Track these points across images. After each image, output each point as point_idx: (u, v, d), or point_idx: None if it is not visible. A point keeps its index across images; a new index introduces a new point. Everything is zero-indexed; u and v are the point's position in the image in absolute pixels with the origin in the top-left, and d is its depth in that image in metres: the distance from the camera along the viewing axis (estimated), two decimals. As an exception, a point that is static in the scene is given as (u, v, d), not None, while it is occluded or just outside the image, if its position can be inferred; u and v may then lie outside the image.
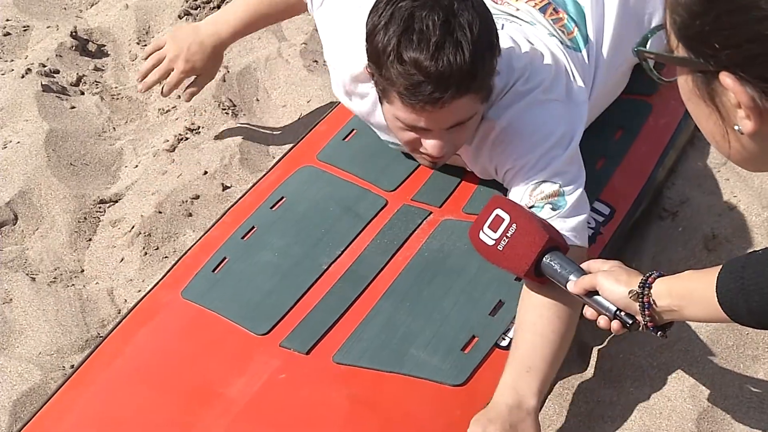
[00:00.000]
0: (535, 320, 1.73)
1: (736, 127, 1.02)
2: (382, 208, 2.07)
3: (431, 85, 1.67)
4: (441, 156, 1.82)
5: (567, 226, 1.80)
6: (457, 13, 1.68)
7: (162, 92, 2.46)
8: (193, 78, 2.46)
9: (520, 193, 1.84)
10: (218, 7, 3.01)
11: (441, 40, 1.66)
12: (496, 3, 2.15)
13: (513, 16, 2.09)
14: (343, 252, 1.99)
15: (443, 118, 1.74)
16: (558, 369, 1.74)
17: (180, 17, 2.98)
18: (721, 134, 1.05)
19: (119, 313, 2.16)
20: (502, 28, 1.97)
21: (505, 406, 1.64)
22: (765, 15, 0.95)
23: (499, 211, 1.66)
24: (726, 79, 0.99)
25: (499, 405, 1.65)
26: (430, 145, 1.79)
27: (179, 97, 2.72)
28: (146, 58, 2.46)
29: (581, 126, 1.92)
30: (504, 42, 1.89)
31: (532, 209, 1.81)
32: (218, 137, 2.59)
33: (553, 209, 1.81)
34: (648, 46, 1.14)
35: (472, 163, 1.99)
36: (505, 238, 1.65)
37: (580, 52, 2.08)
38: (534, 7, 2.12)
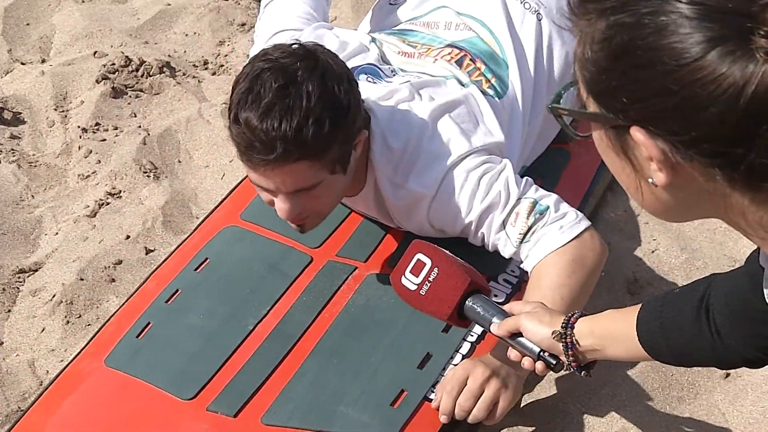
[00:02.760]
0: (536, 293, 1.82)
1: (650, 180, 1.02)
2: (307, 266, 2.08)
3: (259, 144, 1.73)
4: (292, 219, 1.86)
5: (568, 220, 1.88)
6: (299, 81, 1.74)
7: None
8: None
9: (504, 236, 1.91)
10: (136, 70, 3.02)
11: (272, 102, 1.72)
12: (410, 57, 2.20)
13: (424, 73, 2.14)
14: (269, 311, 1.99)
15: (281, 182, 1.78)
16: None
17: (98, 82, 2.98)
18: (636, 186, 1.06)
19: (41, 384, 2.12)
20: (407, 85, 2.03)
21: (499, 359, 1.81)
22: (669, 69, 0.95)
23: (420, 256, 1.68)
24: (636, 133, 0.99)
25: (495, 356, 1.82)
26: (278, 207, 1.85)
27: (99, 162, 2.71)
28: None
29: (505, 156, 2.00)
30: (402, 105, 1.97)
31: (534, 232, 1.88)
32: (140, 201, 2.57)
33: (544, 217, 1.88)
34: (563, 102, 1.15)
35: (404, 223, 2.02)
36: (427, 282, 1.66)
37: (500, 99, 2.13)
38: (450, 61, 2.18)
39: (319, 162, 1.77)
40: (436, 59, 2.20)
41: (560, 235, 1.88)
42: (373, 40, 2.24)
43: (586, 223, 1.92)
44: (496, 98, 2.14)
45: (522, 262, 1.93)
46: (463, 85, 2.12)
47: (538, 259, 1.87)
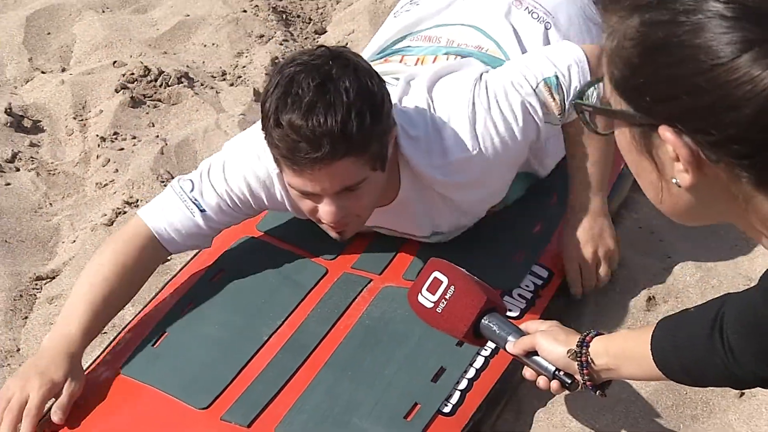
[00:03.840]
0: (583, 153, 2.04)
1: (673, 180, 1.03)
2: (323, 277, 2.10)
3: (305, 144, 1.73)
4: (337, 222, 1.86)
5: (578, 70, 1.99)
6: (335, 77, 1.75)
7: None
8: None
9: (547, 123, 2.02)
10: (155, 80, 3.04)
11: (313, 100, 1.73)
12: (406, 65, 2.20)
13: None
14: (283, 322, 2.00)
15: (327, 181, 1.79)
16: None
17: (117, 91, 3.01)
18: (657, 186, 1.06)
19: (57, 391, 2.13)
20: (404, 82, 2.06)
21: (585, 222, 2.08)
22: (704, 67, 0.96)
23: (437, 274, 1.69)
24: (665, 132, 1.00)
25: (577, 225, 2.08)
26: (323, 211, 1.85)
27: (117, 171, 2.73)
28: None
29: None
30: (405, 98, 2.00)
31: (567, 97, 1.98)
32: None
33: (560, 83, 1.99)
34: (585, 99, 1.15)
35: (459, 195, 2.03)
36: (443, 300, 1.67)
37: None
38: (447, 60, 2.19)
39: (363, 157, 1.78)
40: (433, 63, 2.20)
41: (584, 75, 1.98)
42: None
43: (584, 57, 2.01)
44: None
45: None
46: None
47: None
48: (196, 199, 2.00)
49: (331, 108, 1.72)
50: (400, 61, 2.24)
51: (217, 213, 2.01)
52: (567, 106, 1.99)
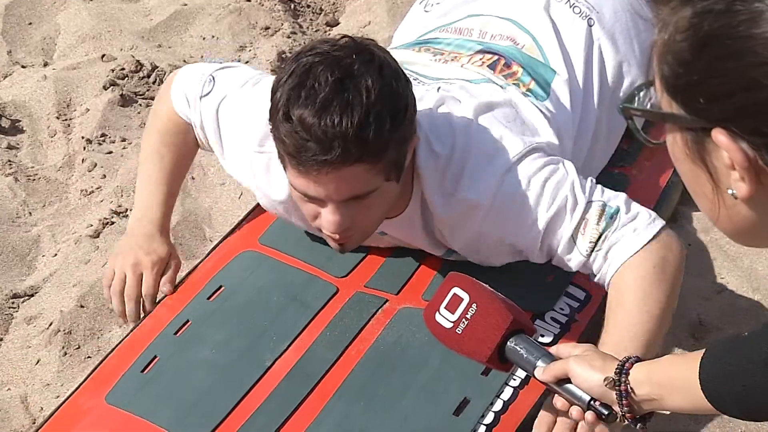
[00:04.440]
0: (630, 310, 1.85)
1: (729, 191, 1.02)
2: (333, 297, 2.10)
3: (315, 144, 1.74)
4: (338, 233, 1.86)
5: (642, 220, 1.90)
6: (356, 74, 1.75)
7: (145, 308, 2.18)
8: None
9: (573, 246, 1.92)
10: (148, 76, 3.07)
11: (329, 97, 1.73)
12: (435, 63, 2.22)
13: (452, 78, 2.16)
14: (289, 346, 2.01)
15: (334, 187, 1.79)
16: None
17: (105, 88, 3.03)
18: (712, 200, 1.06)
19: (34, 423, 2.15)
20: (438, 91, 2.05)
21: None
22: (762, 60, 0.96)
23: (457, 290, 1.68)
24: (718, 135, 0.99)
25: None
26: (325, 219, 1.84)
27: (104, 176, 2.75)
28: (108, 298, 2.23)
29: (558, 149, 2.05)
30: (440, 108, 1.99)
31: (606, 239, 1.89)
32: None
33: (615, 220, 1.90)
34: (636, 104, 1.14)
35: (451, 240, 2.03)
36: (464, 320, 1.67)
37: (543, 101, 2.15)
38: (481, 65, 2.20)
39: (377, 165, 1.78)
40: (464, 66, 2.22)
41: (635, 237, 1.89)
42: None
43: (661, 221, 1.93)
44: (539, 100, 2.16)
45: (593, 274, 1.94)
46: (501, 87, 2.15)
47: (615, 269, 1.89)
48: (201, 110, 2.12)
49: (348, 107, 1.73)
50: (431, 54, 2.25)
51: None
52: (596, 253, 1.90)
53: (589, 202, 1.92)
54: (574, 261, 1.94)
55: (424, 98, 2.01)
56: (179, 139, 2.18)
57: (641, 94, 1.15)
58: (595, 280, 1.95)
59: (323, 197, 1.81)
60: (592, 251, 1.91)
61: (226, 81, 2.12)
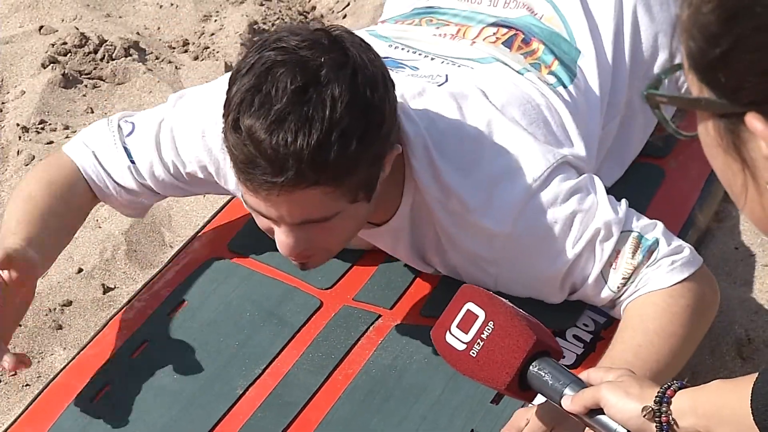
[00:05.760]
0: (639, 338, 1.88)
1: (767, 184, 1.04)
2: (316, 312, 2.11)
3: (265, 162, 1.74)
4: (293, 256, 1.88)
5: (682, 256, 1.93)
6: (322, 81, 1.74)
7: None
8: None
9: (602, 281, 1.96)
10: (94, 52, 3.06)
11: (285, 109, 1.73)
12: (440, 38, 2.22)
13: (460, 58, 2.17)
14: (264, 371, 2.02)
15: (286, 210, 1.80)
16: None
17: (44, 66, 3.03)
18: (749, 194, 1.07)
19: (-37, 463, 2.15)
20: (442, 86, 2.06)
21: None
22: None
23: (471, 306, 1.69)
24: (753, 121, 1.01)
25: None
26: (278, 240, 1.86)
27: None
28: None
29: (588, 173, 2.05)
30: (444, 105, 1.99)
31: (641, 275, 1.92)
32: (96, 223, 2.61)
33: (653, 254, 1.93)
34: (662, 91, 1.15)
35: (451, 254, 2.04)
36: (479, 340, 1.67)
37: (566, 87, 2.16)
38: (495, 43, 2.20)
39: (339, 189, 1.79)
40: (474, 41, 2.23)
41: (672, 274, 1.93)
42: (374, 34, 2.25)
43: (700, 259, 1.97)
44: (559, 87, 2.16)
45: (614, 307, 1.99)
46: (518, 73, 2.15)
47: (639, 294, 1.94)
48: (127, 148, 2.09)
49: (306, 124, 1.72)
50: (434, 28, 2.25)
51: (151, 178, 2.10)
52: (628, 287, 1.95)
53: (622, 233, 1.95)
54: (600, 297, 1.98)
55: (425, 93, 2.02)
56: (67, 191, 2.09)
57: (668, 78, 1.16)
58: (614, 311, 2.00)
59: (275, 218, 1.83)
60: (624, 286, 1.95)
61: (147, 116, 2.13)
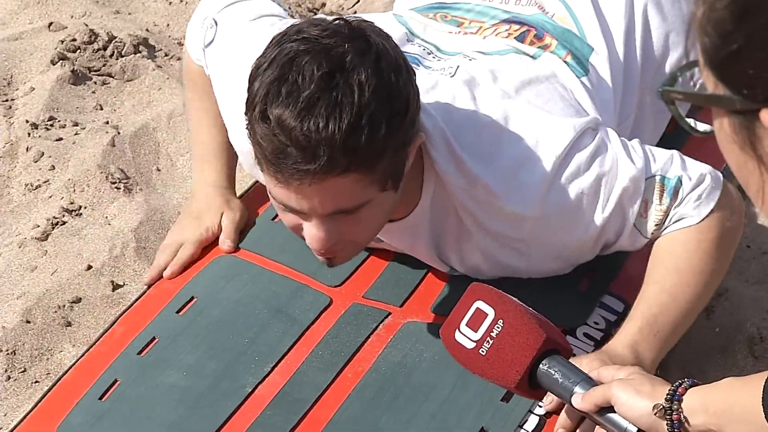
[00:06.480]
0: (673, 278, 1.96)
1: None
2: (325, 309, 2.11)
3: (296, 150, 1.73)
4: (324, 250, 1.88)
5: (706, 186, 1.98)
6: (348, 67, 1.74)
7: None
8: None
9: (635, 232, 2.01)
10: (104, 49, 3.07)
11: (314, 95, 1.72)
12: (452, 35, 2.22)
13: (474, 51, 2.17)
14: (273, 369, 2.02)
15: (318, 200, 1.79)
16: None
17: (53, 62, 3.03)
18: (765, 191, 1.08)
19: (-27, 459, 2.16)
20: (453, 77, 2.06)
21: (620, 361, 1.86)
22: None
23: (480, 304, 1.69)
24: (767, 117, 1.01)
25: (615, 358, 1.87)
26: (308, 234, 1.85)
27: (53, 168, 2.76)
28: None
29: (605, 128, 2.08)
30: (460, 95, 2.01)
31: (671, 216, 1.98)
32: (106, 220, 2.61)
33: (679, 192, 1.98)
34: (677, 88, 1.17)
35: (480, 237, 2.05)
36: (489, 338, 1.68)
37: (581, 77, 2.16)
38: (507, 37, 2.20)
39: (370, 175, 1.78)
40: (486, 36, 2.23)
41: (700, 208, 1.98)
42: (398, 18, 2.27)
43: (720, 178, 2.01)
44: (577, 77, 2.17)
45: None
46: (531, 57, 2.16)
47: (670, 231, 2.00)
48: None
49: (336, 108, 1.72)
50: (448, 23, 2.26)
51: None
52: (661, 229, 2.01)
53: (646, 180, 1.99)
54: (636, 246, 2.04)
55: (438, 86, 2.02)
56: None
57: (684, 75, 1.18)
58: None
59: (306, 210, 1.82)
60: (657, 230, 2.00)
61: (228, 23, 2.19)
